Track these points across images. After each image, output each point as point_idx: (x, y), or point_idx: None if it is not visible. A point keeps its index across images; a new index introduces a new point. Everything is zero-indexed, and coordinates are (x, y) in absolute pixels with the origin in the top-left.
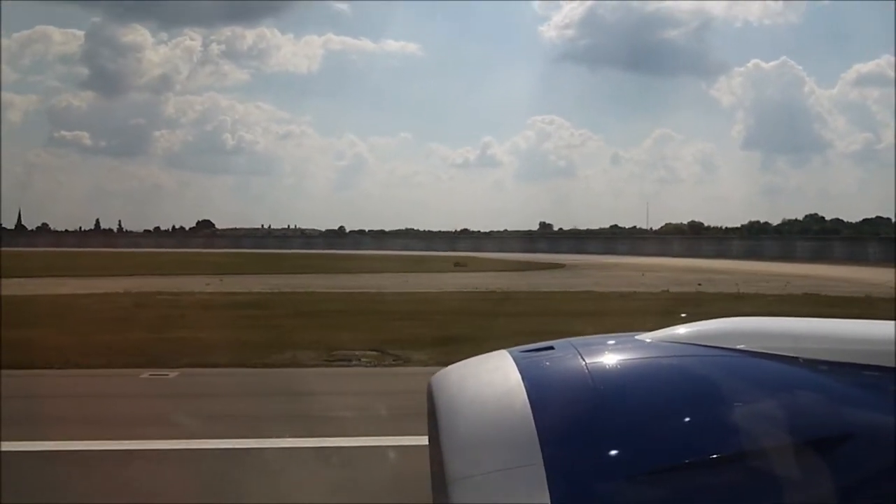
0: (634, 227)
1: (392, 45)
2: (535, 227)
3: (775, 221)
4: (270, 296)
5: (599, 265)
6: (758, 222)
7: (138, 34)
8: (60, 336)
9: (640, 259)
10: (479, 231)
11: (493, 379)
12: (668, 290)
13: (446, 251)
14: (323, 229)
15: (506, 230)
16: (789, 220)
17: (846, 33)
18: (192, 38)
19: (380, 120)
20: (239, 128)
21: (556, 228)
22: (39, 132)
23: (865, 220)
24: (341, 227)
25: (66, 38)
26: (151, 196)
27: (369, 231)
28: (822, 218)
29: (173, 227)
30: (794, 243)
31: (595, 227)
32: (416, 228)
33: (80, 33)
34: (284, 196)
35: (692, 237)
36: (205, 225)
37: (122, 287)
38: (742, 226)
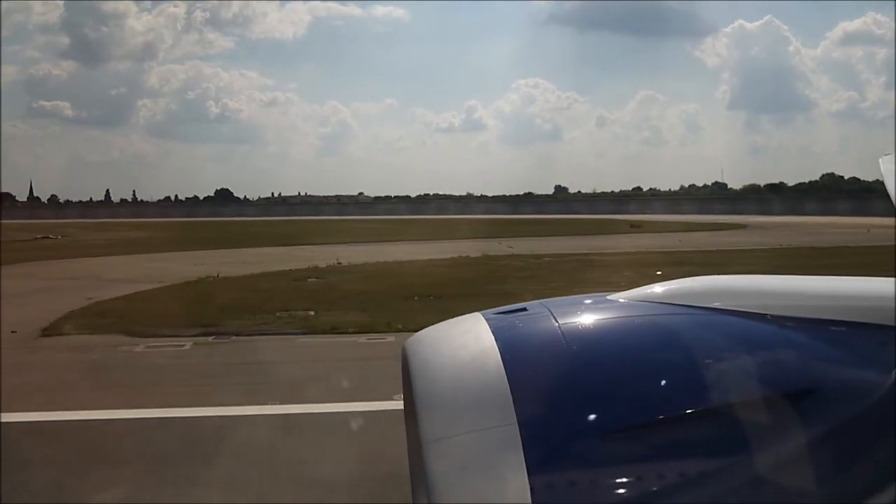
0: (652, 188)
1: (379, 9)
2: (551, 190)
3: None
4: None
5: (780, 224)
6: (832, 174)
7: (121, 2)
8: None
9: (794, 218)
10: (539, 194)
11: (466, 341)
12: None
13: (504, 214)
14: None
15: (530, 193)
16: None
17: None
18: (175, 6)
19: (365, 86)
20: (223, 96)
21: (573, 191)
22: (18, 103)
23: None
24: (408, 196)
25: (46, 8)
26: (153, 166)
27: (395, 197)
28: (842, 177)
29: (176, 196)
30: None
31: (616, 188)
32: (473, 193)
33: (61, 2)
34: (289, 164)
35: (790, 197)
36: (223, 194)
37: (444, 252)
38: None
